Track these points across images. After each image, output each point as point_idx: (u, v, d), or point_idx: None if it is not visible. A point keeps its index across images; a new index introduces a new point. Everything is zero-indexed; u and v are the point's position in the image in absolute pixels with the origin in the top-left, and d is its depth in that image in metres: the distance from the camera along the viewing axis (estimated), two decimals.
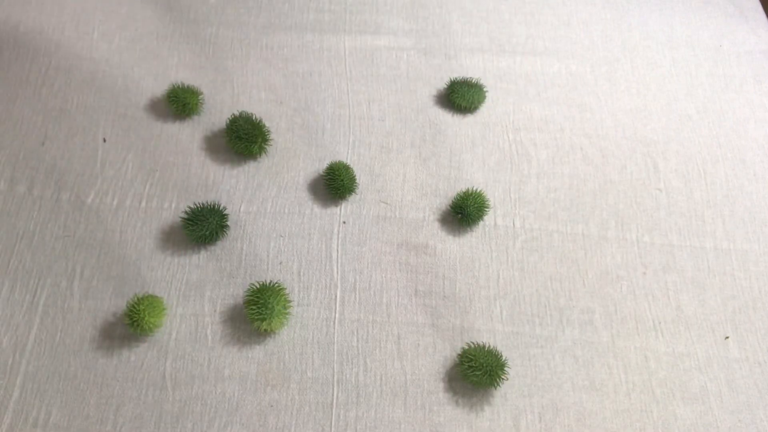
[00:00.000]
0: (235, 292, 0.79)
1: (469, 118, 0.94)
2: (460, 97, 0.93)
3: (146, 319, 0.72)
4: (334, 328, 0.77)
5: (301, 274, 0.80)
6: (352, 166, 0.87)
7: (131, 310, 0.72)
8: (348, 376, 0.74)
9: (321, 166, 0.88)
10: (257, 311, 0.71)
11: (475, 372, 0.71)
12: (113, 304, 0.77)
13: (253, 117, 0.88)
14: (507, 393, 0.74)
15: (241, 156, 0.89)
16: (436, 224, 0.85)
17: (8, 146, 0.88)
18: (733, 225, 0.87)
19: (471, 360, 0.72)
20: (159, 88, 0.95)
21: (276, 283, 0.76)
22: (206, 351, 0.74)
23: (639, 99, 0.98)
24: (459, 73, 0.98)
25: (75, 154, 0.88)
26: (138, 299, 0.74)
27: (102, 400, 0.71)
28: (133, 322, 0.72)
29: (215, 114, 0.93)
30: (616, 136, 0.94)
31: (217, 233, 0.81)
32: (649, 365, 0.76)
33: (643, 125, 0.96)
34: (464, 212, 0.83)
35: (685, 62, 1.03)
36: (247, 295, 0.74)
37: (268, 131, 0.89)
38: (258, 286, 0.74)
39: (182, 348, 0.75)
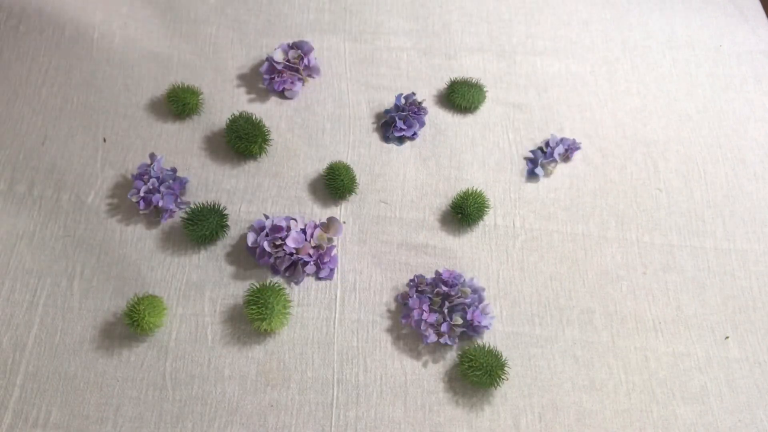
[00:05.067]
0: (235, 292, 0.79)
1: (469, 118, 0.94)
2: (460, 97, 0.93)
3: (146, 319, 0.72)
4: (334, 328, 0.77)
5: None
6: (352, 166, 0.87)
7: (131, 310, 0.72)
8: (348, 376, 0.74)
9: (321, 166, 0.88)
10: (257, 311, 0.71)
11: (475, 372, 0.71)
12: (113, 304, 0.77)
13: (253, 117, 0.88)
14: (507, 393, 0.74)
15: (241, 156, 0.89)
16: (436, 224, 0.85)
17: (8, 146, 0.88)
18: (733, 225, 0.87)
19: (471, 360, 0.72)
20: (159, 88, 0.95)
21: (276, 283, 0.76)
22: (206, 351, 0.75)
23: (639, 99, 0.98)
24: (459, 73, 0.98)
25: (75, 154, 0.88)
26: (138, 299, 0.74)
27: (102, 400, 0.71)
28: (133, 322, 0.72)
29: (215, 114, 0.93)
30: (616, 136, 0.94)
31: (217, 233, 0.81)
32: (649, 365, 0.76)
33: (643, 125, 0.96)
34: (464, 212, 0.83)
35: (685, 62, 1.03)
36: (247, 295, 0.74)
37: (268, 131, 0.89)
38: (258, 286, 0.74)
39: (182, 348, 0.75)
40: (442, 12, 1.06)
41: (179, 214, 0.83)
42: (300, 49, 0.95)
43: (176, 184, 0.84)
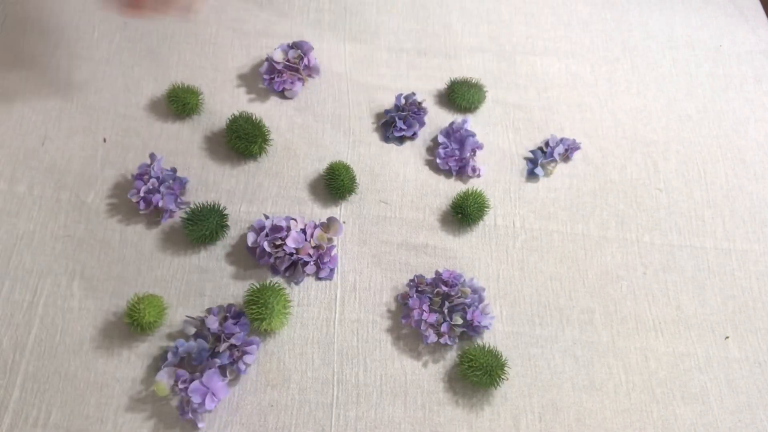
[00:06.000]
0: (235, 292, 0.79)
1: (469, 118, 0.94)
2: (460, 97, 0.93)
3: (146, 318, 0.72)
4: (334, 328, 0.77)
5: None
6: (352, 166, 0.87)
7: (131, 310, 0.72)
8: (348, 376, 0.74)
9: (321, 166, 0.89)
10: (257, 311, 0.71)
11: (475, 372, 0.71)
12: (113, 304, 0.77)
13: (253, 117, 0.88)
14: (507, 393, 0.74)
15: (241, 156, 0.89)
16: (436, 224, 0.85)
17: (8, 146, 0.88)
18: (733, 225, 0.87)
19: (471, 360, 0.72)
20: (159, 88, 0.95)
21: (276, 283, 0.76)
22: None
23: (639, 99, 0.98)
24: (459, 73, 0.98)
25: (75, 154, 0.88)
26: (138, 299, 0.74)
27: (102, 400, 0.71)
28: (133, 322, 0.72)
29: (215, 114, 0.93)
30: (616, 136, 0.94)
31: (217, 233, 0.81)
32: (649, 365, 0.76)
33: (643, 125, 0.96)
34: (464, 212, 0.83)
35: (685, 62, 1.03)
36: (247, 295, 0.74)
37: (268, 131, 0.89)
38: (258, 286, 0.74)
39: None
40: (442, 12, 1.06)
41: (179, 214, 0.83)
42: (300, 49, 0.95)
43: (176, 184, 0.84)
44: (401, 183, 0.88)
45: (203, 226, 0.79)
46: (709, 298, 0.81)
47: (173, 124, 0.92)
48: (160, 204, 0.81)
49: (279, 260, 0.78)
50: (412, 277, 0.80)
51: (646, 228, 0.86)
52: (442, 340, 0.74)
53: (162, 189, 0.82)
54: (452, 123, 0.91)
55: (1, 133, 0.89)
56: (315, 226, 0.80)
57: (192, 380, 0.69)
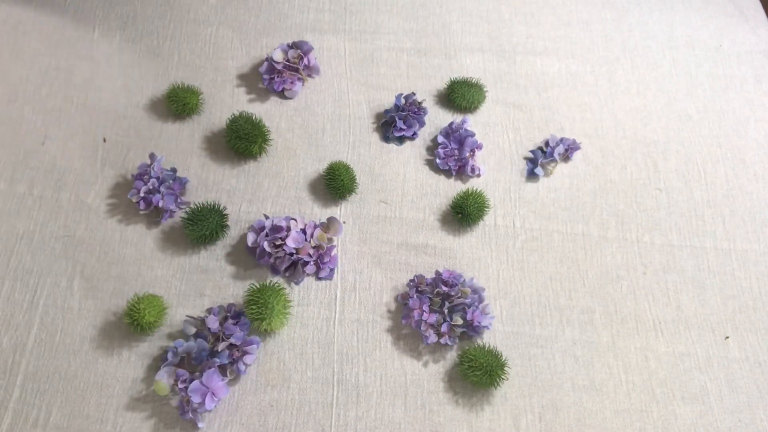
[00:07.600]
0: (235, 292, 0.79)
1: (469, 118, 0.94)
2: (460, 97, 0.93)
3: (146, 318, 0.72)
4: (334, 328, 0.77)
5: None
6: (352, 166, 0.87)
7: (131, 310, 0.72)
8: (348, 376, 0.74)
9: (321, 166, 0.89)
10: (257, 311, 0.71)
11: (475, 372, 0.71)
12: (113, 304, 0.77)
13: (253, 117, 0.88)
14: (507, 393, 0.74)
15: (241, 156, 0.89)
16: (436, 224, 0.85)
17: (8, 146, 0.88)
18: (733, 225, 0.87)
19: (471, 360, 0.72)
20: (159, 88, 0.95)
21: (276, 283, 0.76)
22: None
23: (639, 99, 0.98)
24: (459, 73, 0.98)
25: (75, 154, 0.88)
26: (138, 299, 0.74)
27: (102, 400, 0.71)
28: (133, 322, 0.72)
29: (215, 114, 0.93)
30: (616, 136, 0.94)
31: (217, 233, 0.81)
32: (649, 365, 0.76)
33: (643, 125, 0.96)
34: (464, 212, 0.83)
35: (685, 62, 1.03)
36: (247, 295, 0.74)
37: (268, 131, 0.89)
38: (258, 286, 0.74)
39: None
40: (442, 12, 1.06)
41: (179, 214, 0.83)
42: (300, 48, 0.95)
43: (176, 184, 0.84)
44: (401, 183, 0.88)
45: (203, 226, 0.79)
46: (709, 298, 0.81)
47: (173, 124, 0.92)
48: (160, 204, 0.81)
49: (279, 260, 0.78)
50: (412, 277, 0.80)
51: (646, 228, 0.86)
52: (442, 341, 0.74)
53: (162, 189, 0.82)
54: (452, 123, 0.91)
55: (1, 133, 0.89)
56: (315, 226, 0.80)
57: (192, 380, 0.69)
